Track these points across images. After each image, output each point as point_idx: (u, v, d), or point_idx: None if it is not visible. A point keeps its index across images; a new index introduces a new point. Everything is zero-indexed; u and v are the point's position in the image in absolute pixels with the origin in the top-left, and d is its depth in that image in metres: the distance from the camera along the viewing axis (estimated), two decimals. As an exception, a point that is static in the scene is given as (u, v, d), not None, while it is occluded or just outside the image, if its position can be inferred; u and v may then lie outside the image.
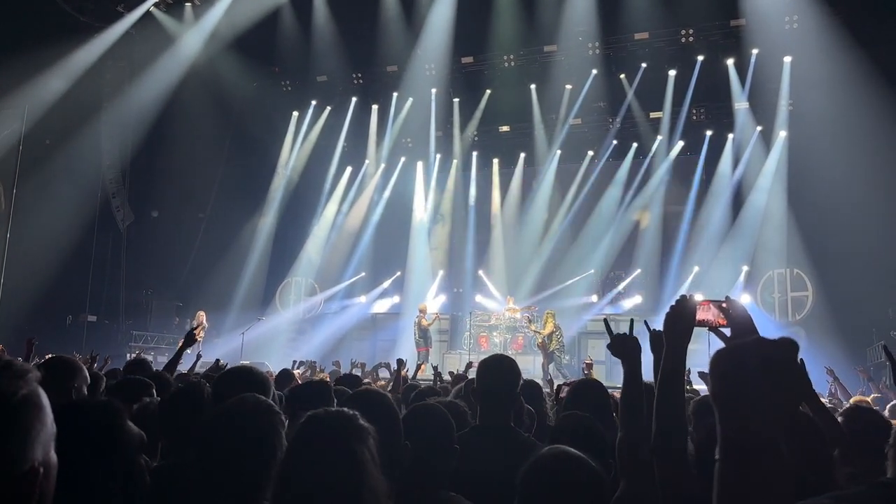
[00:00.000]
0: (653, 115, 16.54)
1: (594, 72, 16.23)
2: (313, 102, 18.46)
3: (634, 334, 2.44)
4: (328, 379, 6.14)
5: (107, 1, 14.69)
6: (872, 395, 6.47)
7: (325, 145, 18.68)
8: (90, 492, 1.56)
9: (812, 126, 13.44)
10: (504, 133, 18.27)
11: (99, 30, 14.63)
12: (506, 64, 16.91)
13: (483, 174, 18.75)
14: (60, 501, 1.05)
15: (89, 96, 14.67)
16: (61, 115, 13.64)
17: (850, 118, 12.47)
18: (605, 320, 2.92)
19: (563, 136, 17.22)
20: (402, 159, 18.76)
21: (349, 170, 18.96)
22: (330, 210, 18.70)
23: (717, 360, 1.16)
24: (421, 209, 18.71)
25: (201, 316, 13.74)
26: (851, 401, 5.31)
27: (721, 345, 1.81)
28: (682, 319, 1.78)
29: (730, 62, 15.27)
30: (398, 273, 18.13)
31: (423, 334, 13.90)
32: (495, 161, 18.60)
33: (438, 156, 18.63)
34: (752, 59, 14.84)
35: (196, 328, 5.99)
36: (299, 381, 5.74)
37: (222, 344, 14.42)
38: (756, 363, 1.11)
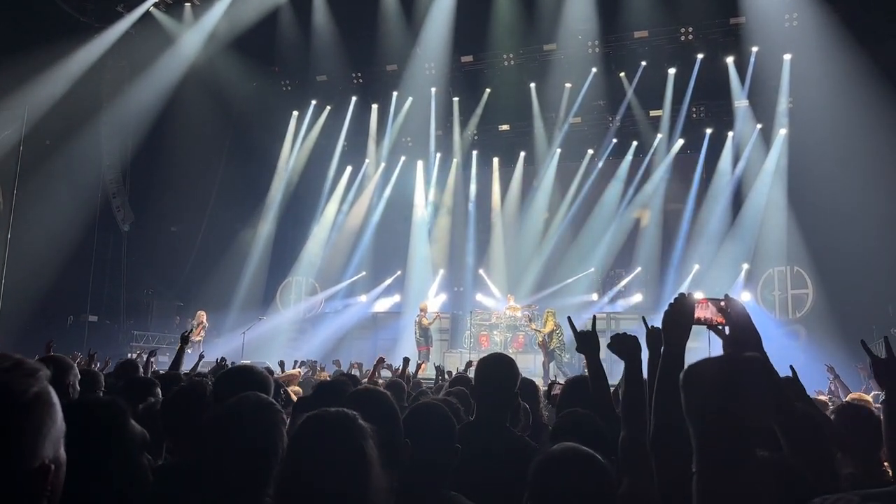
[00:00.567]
0: (652, 113, 16.55)
1: (594, 70, 16.24)
2: (313, 102, 18.48)
3: (631, 333, 2.46)
4: (328, 378, 6.15)
5: (106, 1, 14.69)
6: (873, 393, 6.47)
7: (325, 145, 18.70)
8: (92, 490, 1.57)
9: (812, 123, 13.44)
10: (504, 132, 18.27)
11: (99, 30, 14.64)
12: (505, 63, 16.92)
13: (483, 173, 18.76)
14: (64, 499, 1.06)
15: (89, 96, 14.68)
16: (61, 115, 13.64)
17: (850, 115, 12.47)
18: (594, 317, 2.97)
19: (562, 135, 17.23)
20: (403, 158, 18.77)
21: (349, 169, 18.97)
22: (330, 209, 18.71)
23: (686, 379, 1.19)
24: (421, 208, 18.72)
25: (202, 315, 13.75)
26: (848, 398, 5.31)
27: (720, 343, 1.82)
28: (680, 317, 1.78)
29: (729, 60, 15.28)
30: (399, 272, 18.15)
31: (423, 333, 13.91)
32: (495, 160, 18.61)
33: (438, 155, 18.64)
34: (752, 57, 14.84)
35: (189, 331, 6.00)
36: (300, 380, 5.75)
37: (223, 344, 14.43)
38: (714, 380, 1.13)
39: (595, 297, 16.43)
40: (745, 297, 13.96)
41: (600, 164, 17.38)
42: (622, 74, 16.32)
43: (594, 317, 2.99)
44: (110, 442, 1.68)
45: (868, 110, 12.12)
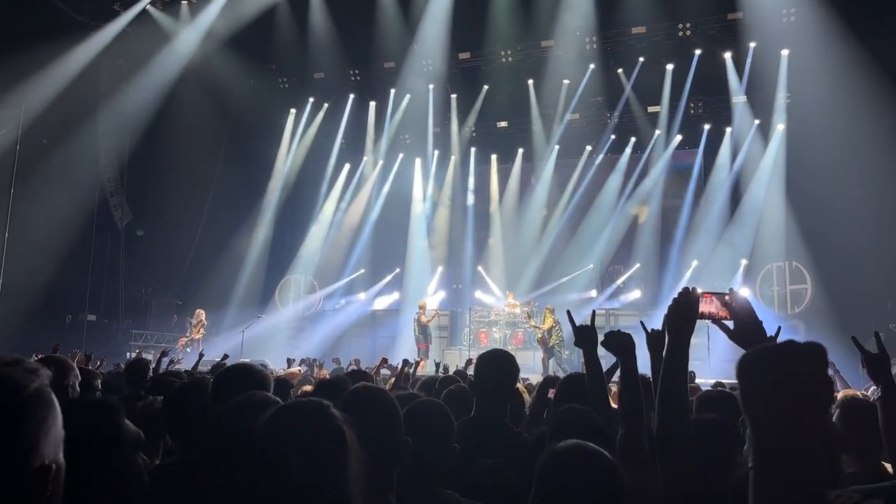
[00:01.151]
0: (651, 109, 16.54)
1: (592, 66, 16.23)
2: (311, 100, 18.43)
3: (628, 330, 2.45)
4: (328, 376, 6.15)
5: (103, -1, 14.65)
6: (872, 388, 6.47)
7: (322, 142, 18.66)
8: (86, 490, 1.56)
9: (810, 119, 13.44)
10: (502, 128, 18.25)
11: (95, 28, 14.58)
12: (503, 59, 16.88)
13: (481, 170, 18.73)
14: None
15: (86, 95, 14.62)
16: (58, 114, 13.59)
17: (848, 110, 12.48)
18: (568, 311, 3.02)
19: (561, 131, 17.21)
20: (401, 156, 18.75)
21: (347, 167, 18.94)
22: (328, 207, 18.69)
23: (742, 370, 1.16)
24: (419, 205, 18.70)
25: (201, 314, 13.74)
26: (840, 394, 5.30)
27: (723, 338, 1.82)
28: (685, 312, 1.78)
29: (727, 56, 15.27)
30: (397, 270, 18.14)
31: (422, 331, 13.92)
32: (493, 157, 18.58)
33: (436, 152, 18.62)
34: (750, 53, 14.83)
35: (181, 338, 6.03)
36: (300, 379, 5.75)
37: (222, 342, 14.40)
38: (781, 376, 1.10)
39: (594, 293, 16.43)
40: (743, 293, 13.95)
41: (598, 161, 17.37)
42: (620, 70, 16.29)
43: (593, 311, 2.98)
44: (104, 441, 1.66)
45: (866, 105, 12.12)
